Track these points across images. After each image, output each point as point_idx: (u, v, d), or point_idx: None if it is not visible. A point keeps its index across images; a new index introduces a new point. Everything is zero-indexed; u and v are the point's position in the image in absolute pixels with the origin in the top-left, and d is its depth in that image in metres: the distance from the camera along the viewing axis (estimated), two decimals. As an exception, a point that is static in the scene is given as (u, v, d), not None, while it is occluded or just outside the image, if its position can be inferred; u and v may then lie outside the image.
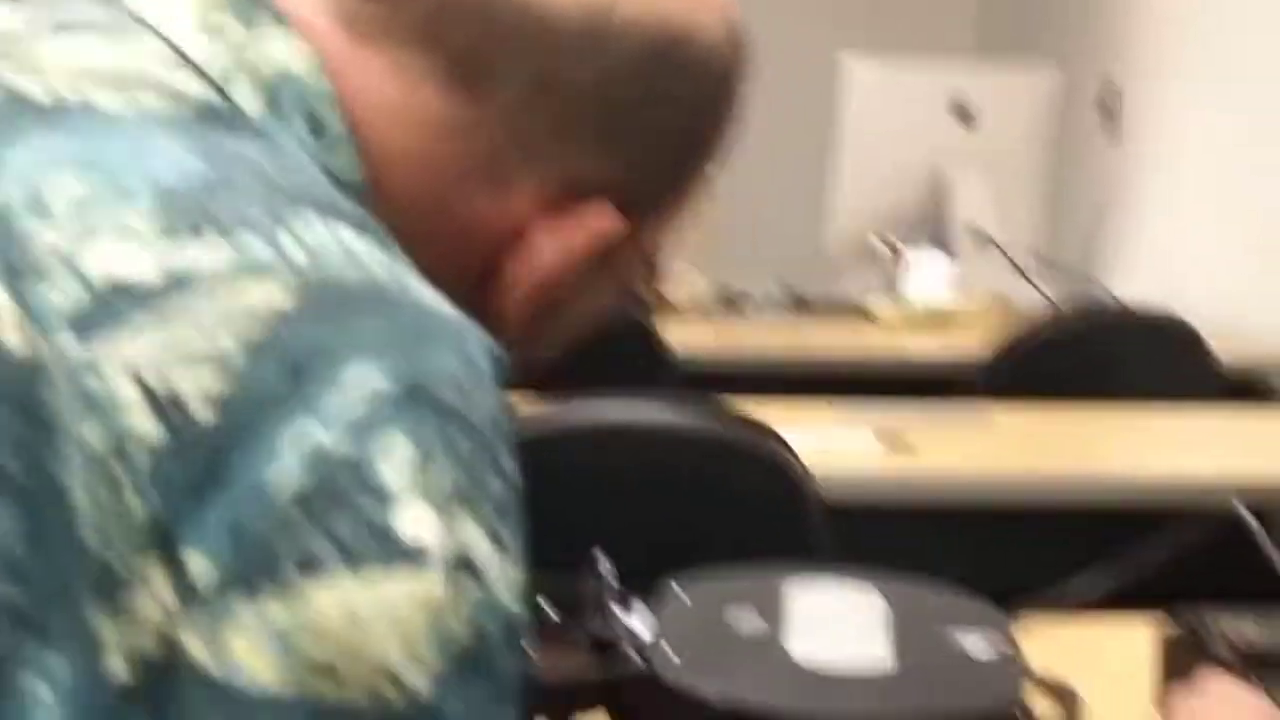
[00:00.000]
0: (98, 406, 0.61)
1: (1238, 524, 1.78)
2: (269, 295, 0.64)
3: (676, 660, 1.22)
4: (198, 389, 0.62)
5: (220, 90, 0.74)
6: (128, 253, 0.64)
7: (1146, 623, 1.46)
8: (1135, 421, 3.13)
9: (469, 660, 0.63)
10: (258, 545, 0.60)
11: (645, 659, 1.22)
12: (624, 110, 0.82)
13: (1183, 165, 4.55)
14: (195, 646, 0.60)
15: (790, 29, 5.71)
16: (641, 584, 1.31)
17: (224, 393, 0.62)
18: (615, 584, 1.30)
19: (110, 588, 0.60)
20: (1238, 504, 1.75)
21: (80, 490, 0.61)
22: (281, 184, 0.69)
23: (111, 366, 0.62)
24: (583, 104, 0.81)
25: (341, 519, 0.61)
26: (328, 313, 0.64)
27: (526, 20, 0.79)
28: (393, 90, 0.78)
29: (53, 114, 0.69)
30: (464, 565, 0.63)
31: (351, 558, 0.61)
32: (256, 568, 0.60)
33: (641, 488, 2.18)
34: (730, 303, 4.31)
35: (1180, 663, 1.37)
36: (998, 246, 4.37)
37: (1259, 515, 1.72)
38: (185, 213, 0.66)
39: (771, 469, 2.19)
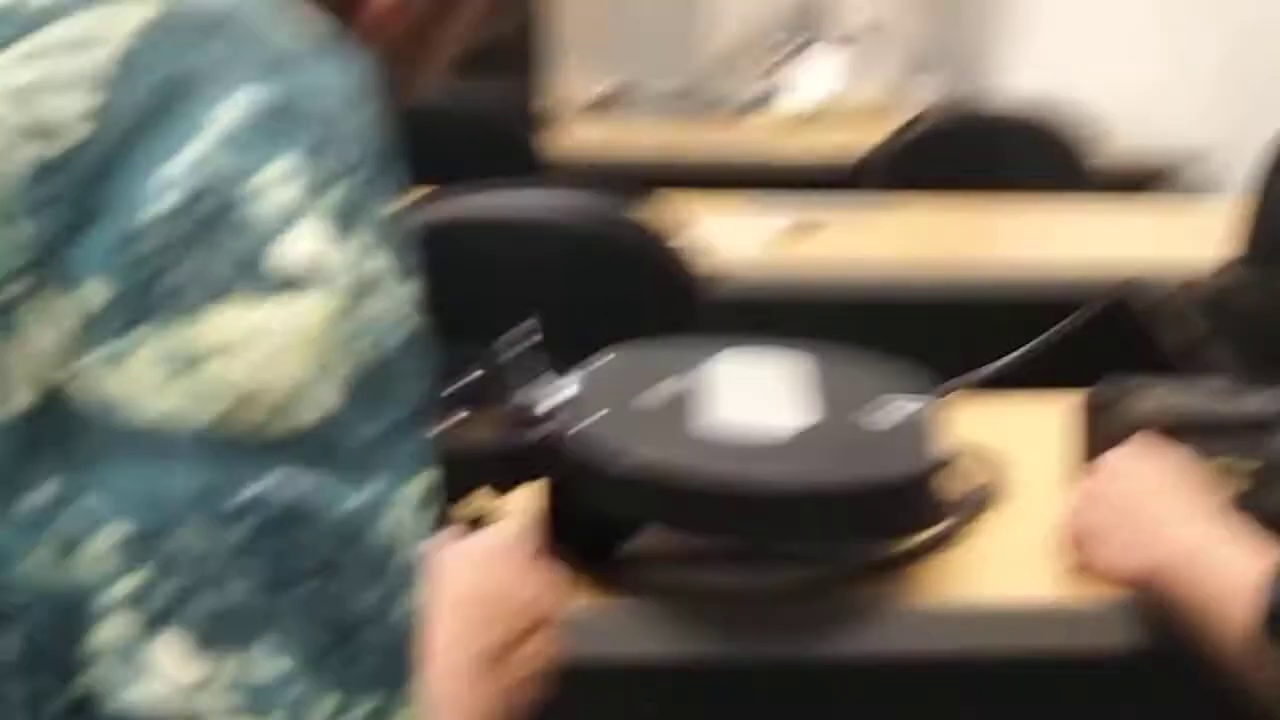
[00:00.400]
0: None
1: (1127, 307, 1.79)
2: (136, 13, 0.63)
3: (597, 424, 1.21)
4: (70, 107, 0.61)
5: None
6: None
7: (1066, 397, 1.47)
8: (1020, 213, 3.15)
9: (373, 377, 0.62)
10: (150, 267, 0.59)
11: (569, 424, 1.21)
12: None
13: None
14: (99, 374, 0.59)
15: None
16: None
17: (95, 108, 0.61)
18: (538, 355, 1.29)
19: (9, 315, 0.59)
20: (1130, 285, 1.77)
21: None
22: None
23: None
24: None
25: (234, 237, 0.60)
26: (198, 32, 0.63)
27: None
28: None
29: None
30: (358, 281, 0.62)
31: (248, 277, 0.60)
32: (151, 290, 0.59)
33: (532, 277, 2.17)
34: (624, 101, 4.27)
35: (1103, 429, 1.38)
36: (890, 39, 4.35)
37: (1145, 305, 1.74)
38: None
39: (651, 256, 2.19)
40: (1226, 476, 1.30)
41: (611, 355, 1.36)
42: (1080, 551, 1.26)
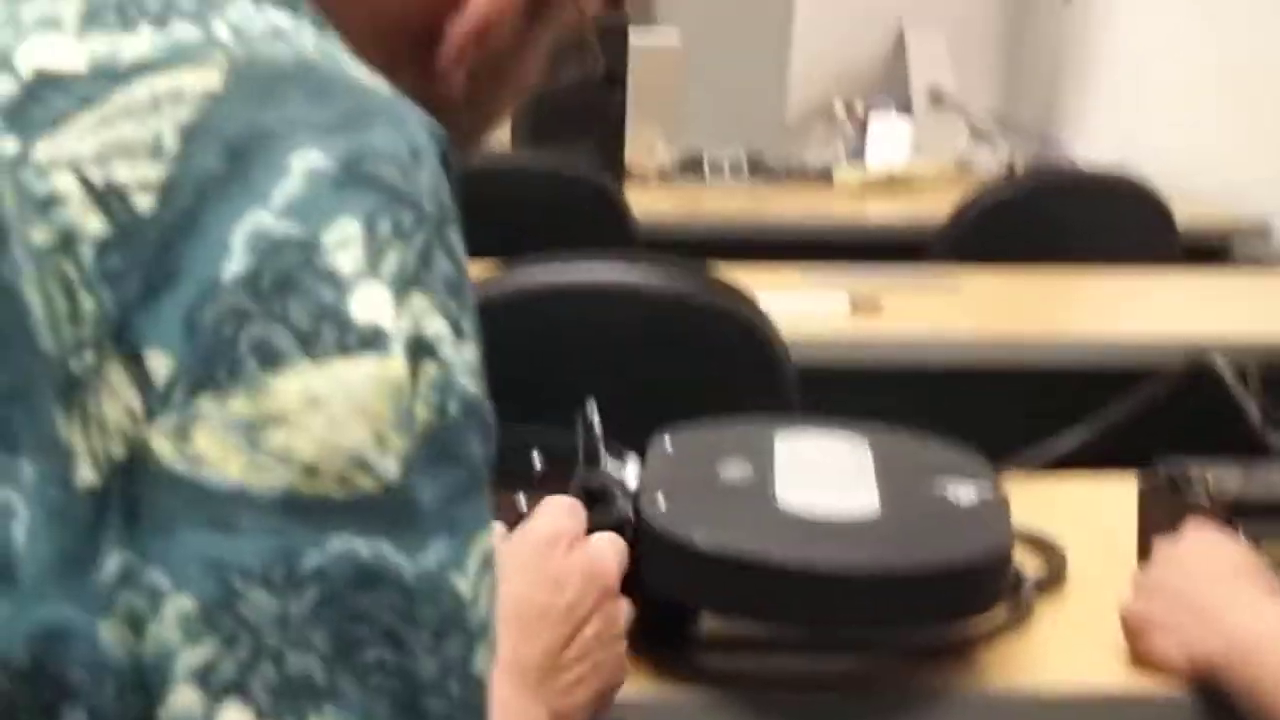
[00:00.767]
0: (42, 206, 0.61)
1: (1208, 378, 1.79)
2: (199, 79, 0.64)
3: (664, 507, 1.22)
4: (136, 178, 0.61)
5: None
6: (54, 44, 0.64)
7: (1126, 478, 1.47)
8: (1099, 283, 3.14)
9: (434, 441, 0.62)
10: (213, 337, 0.60)
11: (635, 508, 1.22)
12: None
13: (1138, 21, 4.53)
14: (162, 446, 0.60)
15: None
16: (621, 440, 1.31)
17: (162, 178, 0.61)
18: (602, 436, 1.30)
19: (73, 392, 0.60)
20: (1215, 356, 1.76)
21: (33, 292, 0.60)
22: None
23: (52, 164, 0.61)
24: None
25: (295, 305, 0.61)
26: (261, 94, 0.64)
27: None
28: None
29: None
30: (421, 346, 0.63)
31: (309, 344, 0.61)
32: (214, 361, 0.60)
33: (611, 349, 2.18)
34: (692, 169, 4.29)
35: (1161, 514, 1.38)
36: (956, 107, 4.36)
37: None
38: (112, 4, 0.65)
39: (743, 329, 2.19)
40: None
41: (672, 435, 1.37)
42: (1140, 640, 1.27)
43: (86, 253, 0.60)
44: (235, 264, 0.60)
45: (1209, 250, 3.80)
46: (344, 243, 0.62)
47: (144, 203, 0.61)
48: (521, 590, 0.98)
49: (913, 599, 1.20)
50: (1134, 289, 3.09)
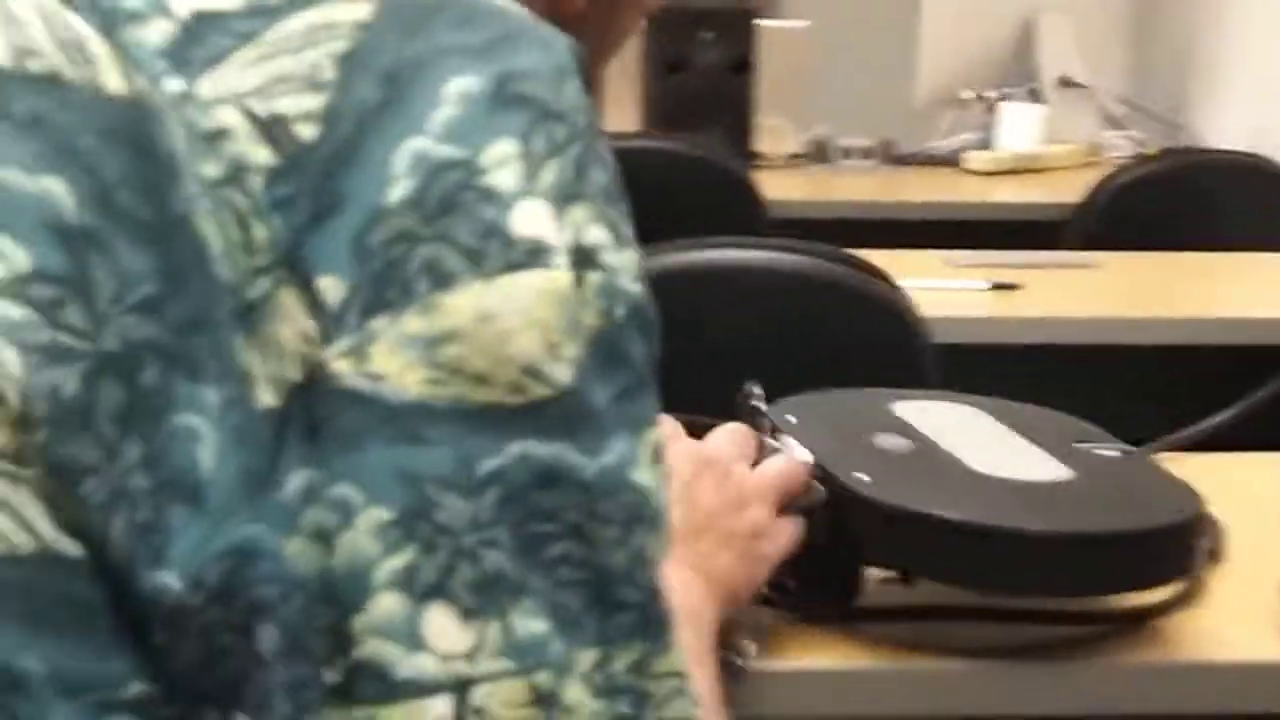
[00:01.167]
0: (210, 140, 0.62)
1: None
2: (350, 10, 0.65)
3: (868, 479, 1.22)
4: (297, 108, 0.63)
5: None
6: None
7: (1276, 457, 1.47)
8: (1240, 263, 3.12)
9: (603, 345, 0.64)
10: (383, 260, 0.62)
11: (844, 488, 1.22)
12: None
13: (1269, 3, 4.49)
14: (340, 367, 0.61)
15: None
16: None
17: (322, 108, 0.63)
18: (765, 415, 1.30)
19: (250, 318, 0.61)
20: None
21: (207, 223, 0.62)
22: None
23: (217, 100, 0.63)
24: None
25: (460, 225, 0.63)
26: (410, 23, 0.66)
27: None
28: None
29: None
30: (583, 255, 0.64)
31: (476, 262, 0.62)
32: (386, 283, 0.62)
33: (752, 330, 2.19)
34: (822, 155, 4.29)
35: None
36: (1086, 92, 4.34)
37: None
38: None
39: (884, 309, 2.20)
40: None
41: (788, 409, 1.36)
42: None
43: (256, 182, 0.62)
44: (399, 188, 0.62)
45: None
46: (502, 161, 0.64)
47: (307, 132, 0.63)
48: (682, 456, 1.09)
49: (1132, 562, 1.20)
50: (1275, 268, 3.07)
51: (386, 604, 0.61)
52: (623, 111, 4.15)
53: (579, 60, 0.69)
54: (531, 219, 0.63)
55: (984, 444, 1.32)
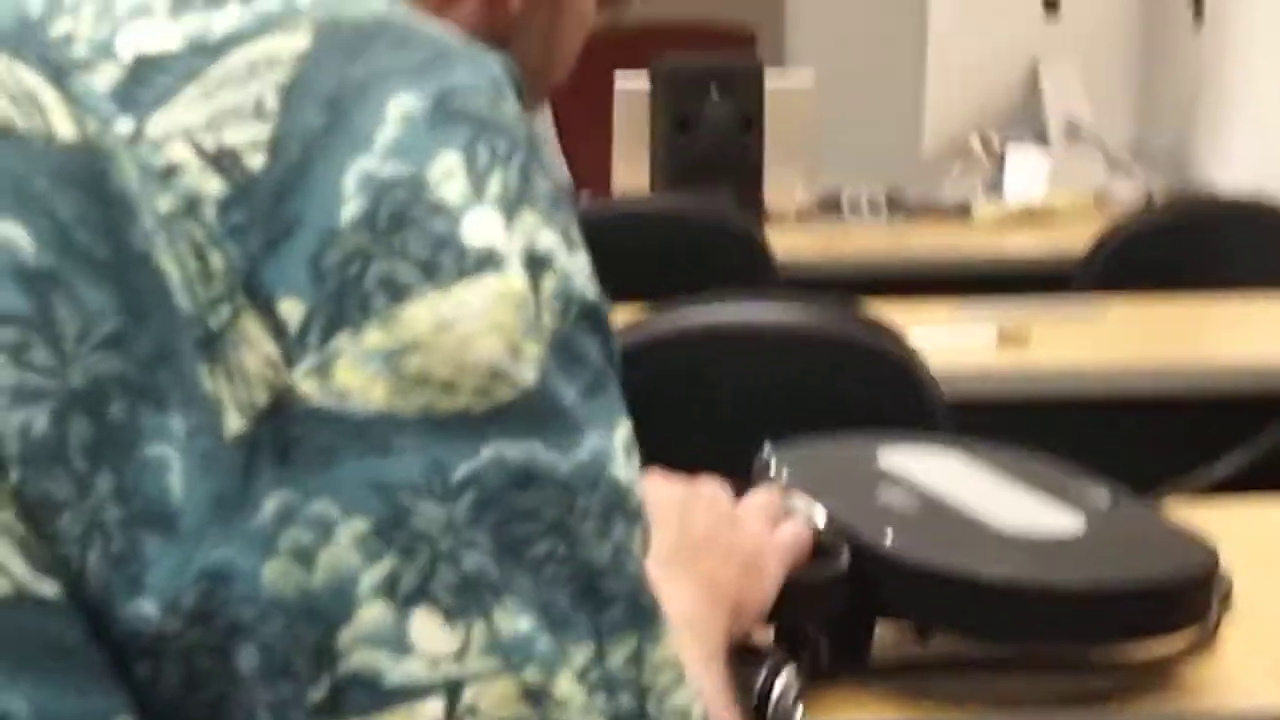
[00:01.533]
0: (162, 177, 0.64)
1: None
2: (289, 43, 0.67)
3: (892, 541, 1.24)
4: (244, 138, 0.64)
5: None
6: (149, 28, 0.67)
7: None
8: (1246, 309, 3.13)
9: (563, 345, 0.66)
10: (339, 279, 0.63)
11: (864, 546, 1.23)
12: None
13: (1274, 44, 4.51)
14: (305, 387, 0.62)
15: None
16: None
17: (269, 137, 0.65)
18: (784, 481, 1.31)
19: (213, 346, 0.63)
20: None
21: (165, 257, 0.63)
22: None
23: (166, 137, 0.65)
24: None
25: (412, 239, 0.64)
26: (348, 50, 0.67)
27: None
28: None
29: None
30: (536, 258, 0.66)
31: (431, 273, 0.64)
32: (344, 301, 0.63)
33: (762, 389, 2.20)
34: (831, 208, 4.31)
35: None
36: (1093, 139, 4.36)
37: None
38: None
39: (894, 366, 2.21)
40: None
41: (779, 463, 1.37)
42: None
43: (210, 213, 0.63)
44: (350, 208, 0.64)
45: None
46: (448, 174, 0.65)
47: (256, 161, 0.64)
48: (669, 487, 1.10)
49: (1156, 610, 1.23)
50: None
51: (371, 613, 0.62)
52: (633, 171, 4.18)
53: (512, 75, 0.71)
54: (481, 228, 0.65)
55: (985, 494, 1.33)
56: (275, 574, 0.62)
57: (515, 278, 0.65)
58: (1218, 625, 1.35)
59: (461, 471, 0.63)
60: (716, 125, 4.11)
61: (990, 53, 4.43)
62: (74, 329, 0.63)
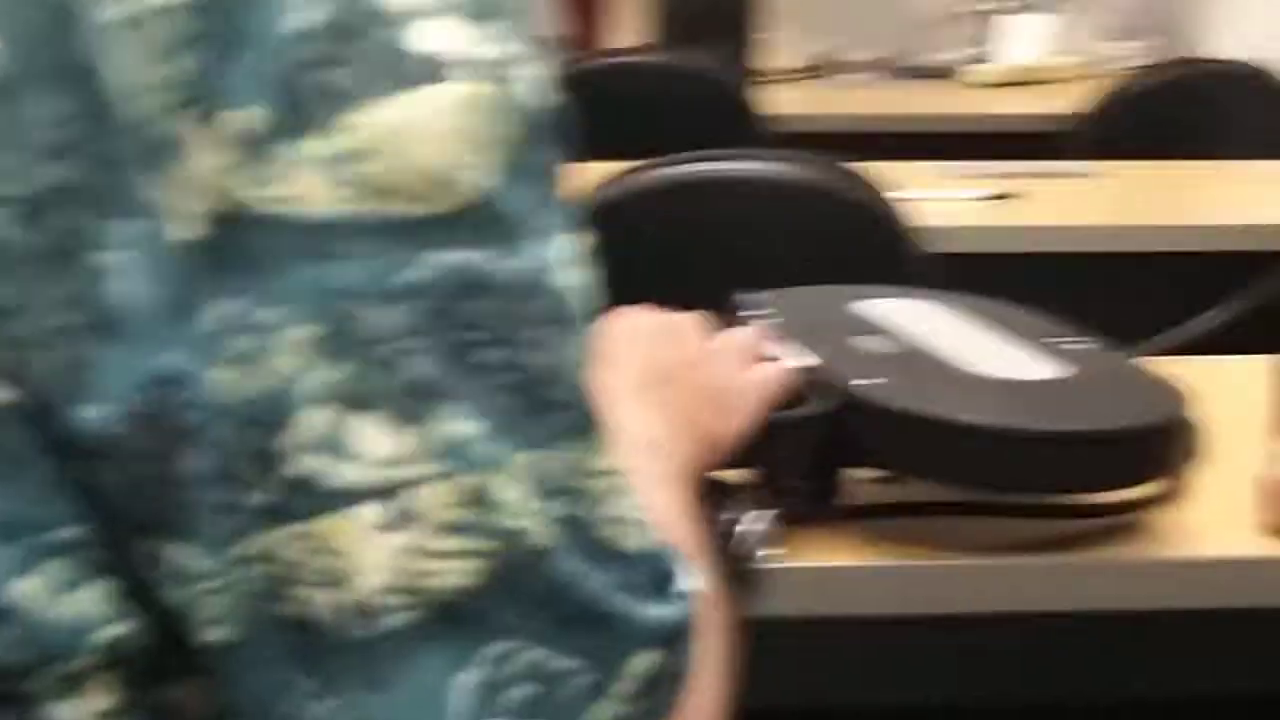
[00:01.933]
0: None
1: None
2: None
3: (883, 385, 1.24)
4: None
5: None
6: None
7: (1260, 360, 1.48)
8: (1235, 172, 3.12)
9: (514, 153, 0.65)
10: (287, 89, 0.63)
11: (841, 391, 1.24)
12: None
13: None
14: (253, 195, 0.62)
15: None
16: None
17: None
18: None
19: (160, 155, 0.62)
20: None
21: (110, 66, 0.63)
22: None
23: None
24: None
25: (359, 47, 0.63)
26: None
27: None
28: None
29: None
30: (497, 65, 0.65)
31: (380, 81, 0.63)
32: (293, 110, 0.62)
33: (740, 238, 2.21)
34: (825, 70, 4.29)
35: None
36: (1093, 5, 4.33)
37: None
38: None
39: (874, 217, 2.21)
40: None
41: (774, 304, 1.37)
42: (1275, 508, 1.29)
43: (158, 24, 0.63)
44: (297, 18, 0.63)
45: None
46: None
47: None
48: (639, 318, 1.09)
49: (1110, 460, 1.24)
50: (1271, 177, 3.07)
51: (312, 419, 0.62)
52: (626, 27, 4.15)
53: None
54: (447, 32, 0.64)
55: (961, 342, 1.34)
56: (219, 379, 0.62)
57: (464, 85, 0.64)
58: (1186, 475, 1.35)
59: (405, 277, 0.63)
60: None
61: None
62: (18, 138, 0.63)
